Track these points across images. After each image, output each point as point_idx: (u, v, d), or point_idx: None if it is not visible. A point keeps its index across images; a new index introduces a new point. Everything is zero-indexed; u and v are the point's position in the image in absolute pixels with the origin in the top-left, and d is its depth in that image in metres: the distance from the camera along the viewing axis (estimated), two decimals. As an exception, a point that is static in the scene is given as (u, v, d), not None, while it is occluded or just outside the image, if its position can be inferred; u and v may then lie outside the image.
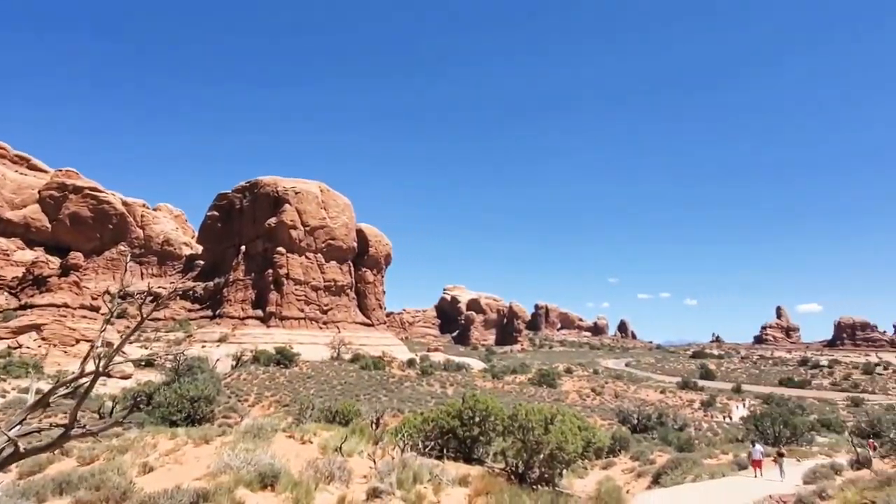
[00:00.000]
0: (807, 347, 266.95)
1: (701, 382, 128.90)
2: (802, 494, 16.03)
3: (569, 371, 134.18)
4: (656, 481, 25.98)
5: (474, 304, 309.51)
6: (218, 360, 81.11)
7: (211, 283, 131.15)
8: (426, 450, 17.44)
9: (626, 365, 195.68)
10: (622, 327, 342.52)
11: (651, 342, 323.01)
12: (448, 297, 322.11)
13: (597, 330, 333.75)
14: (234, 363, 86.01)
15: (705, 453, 35.55)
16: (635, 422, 55.36)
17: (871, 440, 39.16)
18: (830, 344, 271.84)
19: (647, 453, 34.90)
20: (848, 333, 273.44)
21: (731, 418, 79.35)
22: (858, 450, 26.44)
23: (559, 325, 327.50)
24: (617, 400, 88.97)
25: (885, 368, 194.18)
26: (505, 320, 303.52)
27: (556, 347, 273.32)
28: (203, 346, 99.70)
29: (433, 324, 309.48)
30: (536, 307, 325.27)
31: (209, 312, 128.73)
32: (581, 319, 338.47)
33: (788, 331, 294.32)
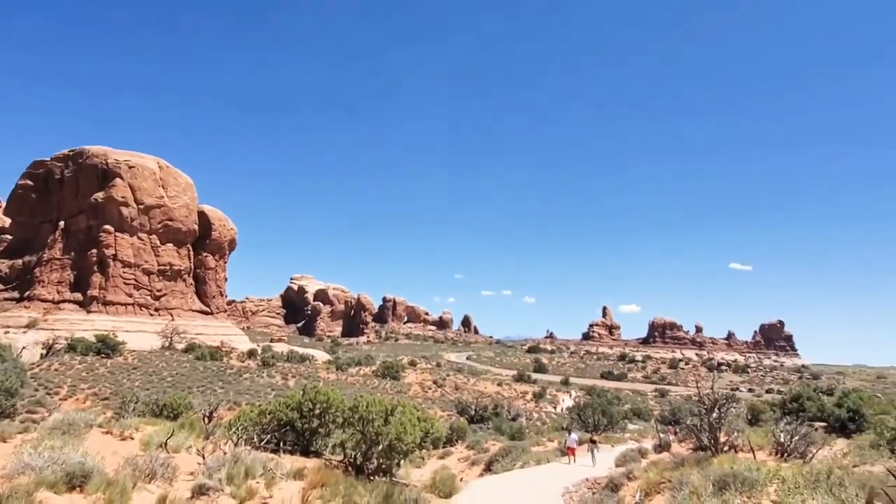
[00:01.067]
0: (625, 344, 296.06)
1: (534, 375, 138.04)
2: (614, 476, 17.80)
3: (413, 364, 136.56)
4: (489, 468, 27.40)
5: (322, 295, 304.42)
6: (24, 347, 71.73)
7: (19, 262, 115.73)
8: (262, 443, 16.86)
9: (468, 358, 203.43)
10: (465, 322, 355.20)
11: (492, 337, 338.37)
12: (295, 287, 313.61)
13: (442, 324, 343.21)
14: (44, 351, 76.66)
15: (534, 441, 38.20)
16: (473, 413, 57.85)
17: (671, 426, 44.46)
18: (645, 341, 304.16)
19: (482, 442, 36.66)
20: (659, 332, 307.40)
21: (558, 409, 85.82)
22: (661, 435, 29.86)
23: (406, 319, 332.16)
24: (457, 392, 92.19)
25: (687, 364, 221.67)
26: (352, 312, 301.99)
27: (401, 340, 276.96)
28: (6, 332, 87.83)
29: (278, 313, 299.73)
30: (384, 300, 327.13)
31: (16, 294, 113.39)
32: (427, 314, 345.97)
33: (612, 329, 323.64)
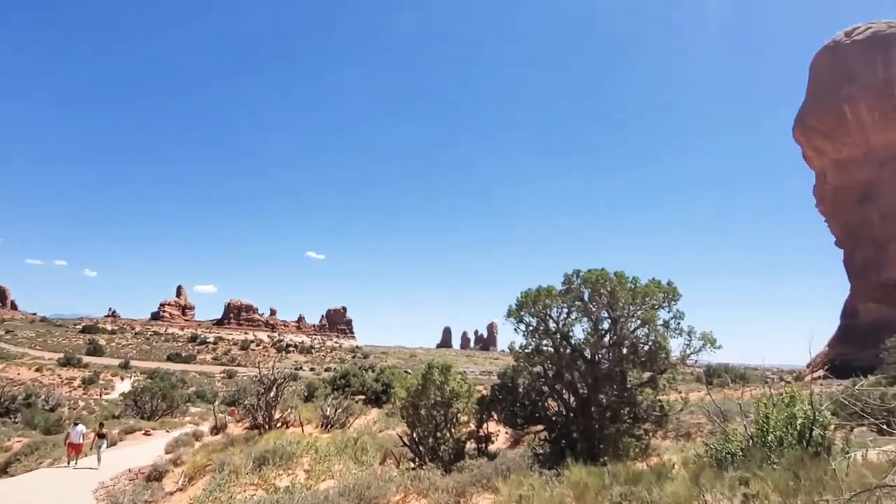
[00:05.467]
0: (199, 325, 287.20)
1: (87, 359, 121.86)
2: (158, 464, 17.30)
3: None
4: (5, 470, 23.19)
5: None
6: None
7: None
8: None
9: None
10: (1, 296, 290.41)
11: (35, 314, 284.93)
12: None
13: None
14: None
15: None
16: (-3, 405, 47.77)
17: (233, 407, 45.33)
18: (220, 323, 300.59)
19: (4, 440, 30.77)
20: (235, 314, 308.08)
21: (112, 395, 77.88)
22: (218, 416, 30.28)
23: None
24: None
25: (258, 345, 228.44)
26: None
27: None
28: None
29: None
30: None
31: None
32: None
33: (185, 309, 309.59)
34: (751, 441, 9.81)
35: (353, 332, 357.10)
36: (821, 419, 9.49)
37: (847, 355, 66.73)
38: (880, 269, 74.53)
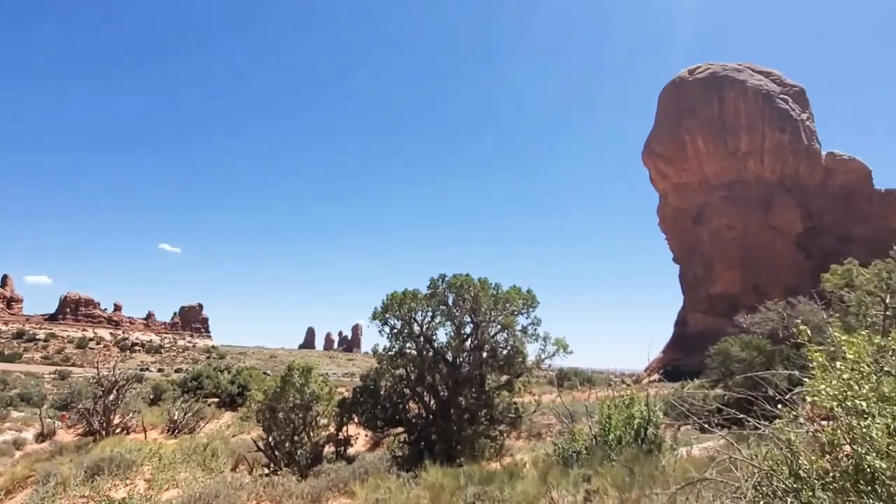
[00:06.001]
0: (27, 320, 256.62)
1: None
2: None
3: None
4: None
5: None
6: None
7: None
8: None
9: None
10: None
11: None
12: None
13: None
14: None
15: None
16: None
17: (64, 412, 40.94)
18: (53, 318, 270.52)
19: None
20: (72, 308, 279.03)
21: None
22: (46, 422, 27.20)
23: None
24: None
25: (98, 343, 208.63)
26: None
27: None
28: None
29: None
30: None
31: None
32: None
33: (11, 301, 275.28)
34: (594, 440, 10.56)
35: (208, 332, 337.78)
36: (654, 419, 10.44)
37: (678, 361, 74.10)
38: (708, 284, 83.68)
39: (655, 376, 71.55)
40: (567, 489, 7.73)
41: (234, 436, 27.61)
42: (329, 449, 17.05)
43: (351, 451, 17.79)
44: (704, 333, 67.13)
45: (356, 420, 16.43)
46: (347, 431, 17.25)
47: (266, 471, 14.91)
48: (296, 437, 15.94)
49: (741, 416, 5.74)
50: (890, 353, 4.60)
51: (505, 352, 14.91)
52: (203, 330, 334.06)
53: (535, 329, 15.05)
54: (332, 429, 17.17)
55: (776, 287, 62.81)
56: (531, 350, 15.13)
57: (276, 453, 15.87)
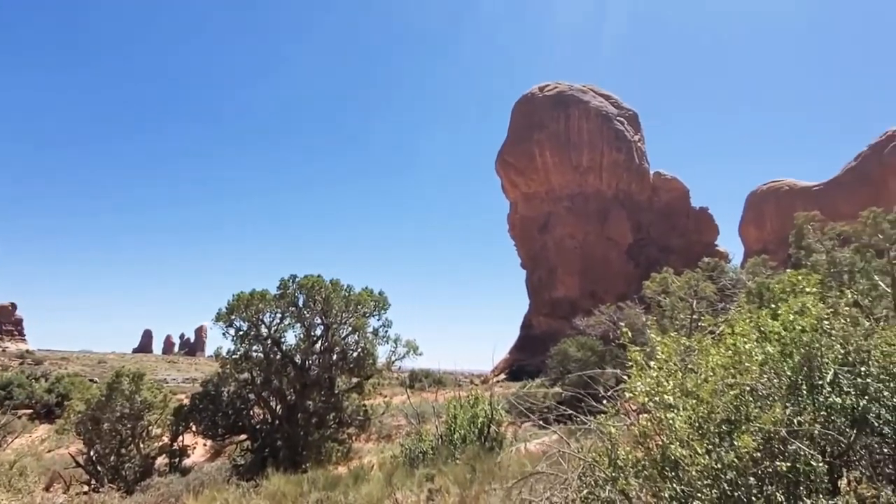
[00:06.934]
0: None
1: None
2: None
3: None
4: None
5: None
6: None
7: None
8: None
9: None
10: None
11: None
12: None
13: None
14: None
15: None
16: None
17: None
18: None
19: None
20: None
21: None
22: None
23: None
24: None
25: None
26: None
27: None
28: None
29: None
30: None
31: None
32: None
33: None
34: (440, 440, 10.80)
35: (23, 335, 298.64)
36: (497, 417, 10.92)
37: (523, 361, 78.19)
38: (551, 288, 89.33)
39: (502, 376, 74.93)
40: (411, 489, 7.81)
41: (49, 451, 24.79)
42: (162, 461, 15.84)
43: (187, 461, 16.65)
44: (547, 335, 71.54)
45: (194, 428, 15.42)
46: (184, 441, 16.13)
47: (86, 488, 13.50)
48: (123, 450, 14.61)
49: (571, 412, 6.17)
50: (694, 352, 5.20)
51: (355, 354, 14.80)
52: (16, 333, 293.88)
53: (387, 331, 15.13)
54: (166, 439, 15.97)
55: (610, 293, 68.60)
56: (382, 352, 15.18)
57: (99, 468, 14.42)
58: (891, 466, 4.52)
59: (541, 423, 9.41)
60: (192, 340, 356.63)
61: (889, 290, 11.23)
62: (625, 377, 5.03)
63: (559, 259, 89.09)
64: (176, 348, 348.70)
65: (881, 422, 4.51)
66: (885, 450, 4.52)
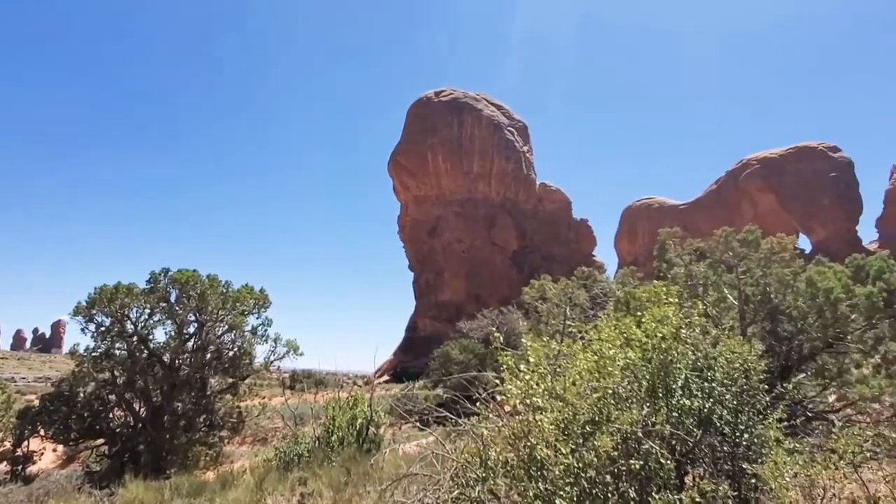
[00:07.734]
0: None
1: None
2: None
3: None
4: None
5: None
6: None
7: None
8: None
9: None
10: None
11: None
12: None
13: None
14: None
15: None
16: None
17: None
18: None
19: None
20: None
21: None
22: None
23: None
24: None
25: None
26: None
27: None
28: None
29: None
30: None
31: None
32: None
33: None
34: (317, 442, 10.56)
35: None
36: (376, 419, 10.85)
37: (407, 363, 78.51)
38: (437, 291, 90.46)
39: (385, 378, 74.80)
40: (283, 494, 7.57)
41: None
42: (2, 468, 14.27)
43: (33, 469, 15.10)
44: (432, 337, 72.32)
45: (43, 432, 14.01)
46: (29, 446, 14.62)
47: None
48: (-49, 458, 12.99)
49: (446, 414, 6.26)
50: (564, 356, 5.46)
51: (231, 353, 14.14)
52: None
53: (266, 330, 14.60)
54: (8, 444, 14.41)
55: (494, 297, 70.61)
56: (261, 351, 14.63)
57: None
58: (729, 463, 5.00)
59: (420, 425, 9.48)
60: (47, 336, 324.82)
61: (736, 303, 12.47)
62: (500, 380, 5.18)
63: (447, 262, 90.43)
64: (28, 344, 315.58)
65: (723, 422, 5.00)
66: (725, 448, 4.99)
